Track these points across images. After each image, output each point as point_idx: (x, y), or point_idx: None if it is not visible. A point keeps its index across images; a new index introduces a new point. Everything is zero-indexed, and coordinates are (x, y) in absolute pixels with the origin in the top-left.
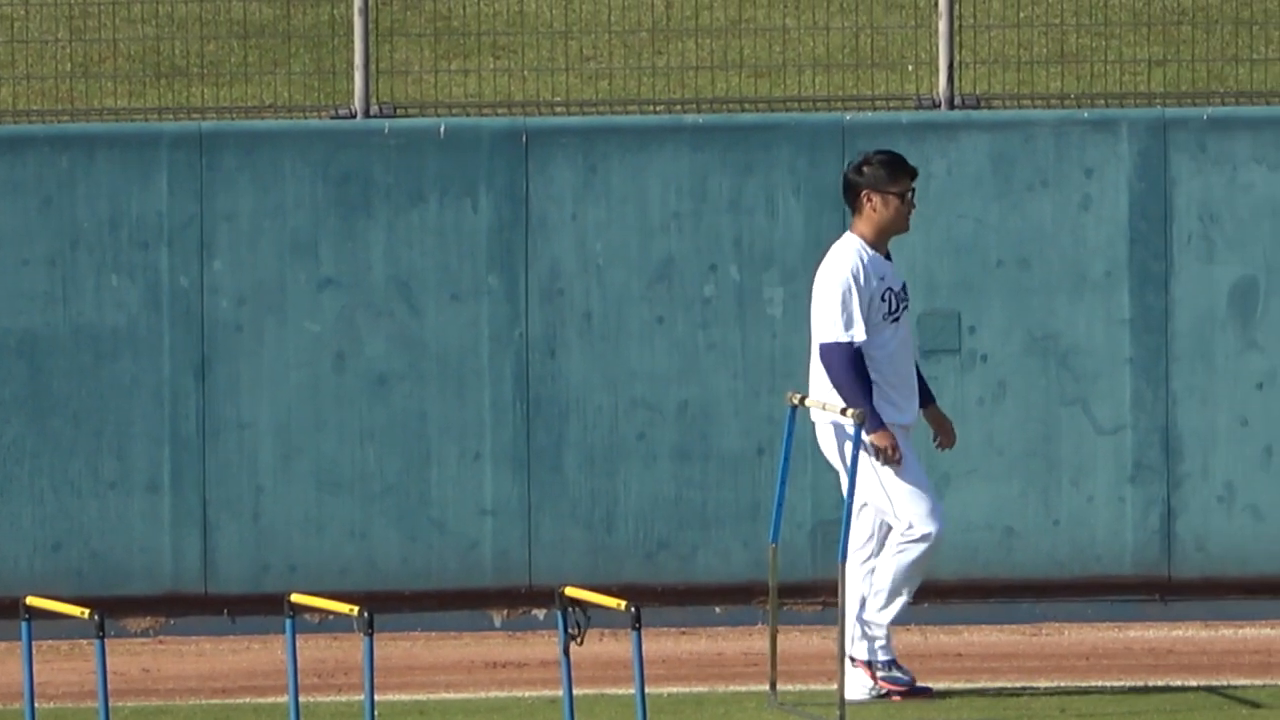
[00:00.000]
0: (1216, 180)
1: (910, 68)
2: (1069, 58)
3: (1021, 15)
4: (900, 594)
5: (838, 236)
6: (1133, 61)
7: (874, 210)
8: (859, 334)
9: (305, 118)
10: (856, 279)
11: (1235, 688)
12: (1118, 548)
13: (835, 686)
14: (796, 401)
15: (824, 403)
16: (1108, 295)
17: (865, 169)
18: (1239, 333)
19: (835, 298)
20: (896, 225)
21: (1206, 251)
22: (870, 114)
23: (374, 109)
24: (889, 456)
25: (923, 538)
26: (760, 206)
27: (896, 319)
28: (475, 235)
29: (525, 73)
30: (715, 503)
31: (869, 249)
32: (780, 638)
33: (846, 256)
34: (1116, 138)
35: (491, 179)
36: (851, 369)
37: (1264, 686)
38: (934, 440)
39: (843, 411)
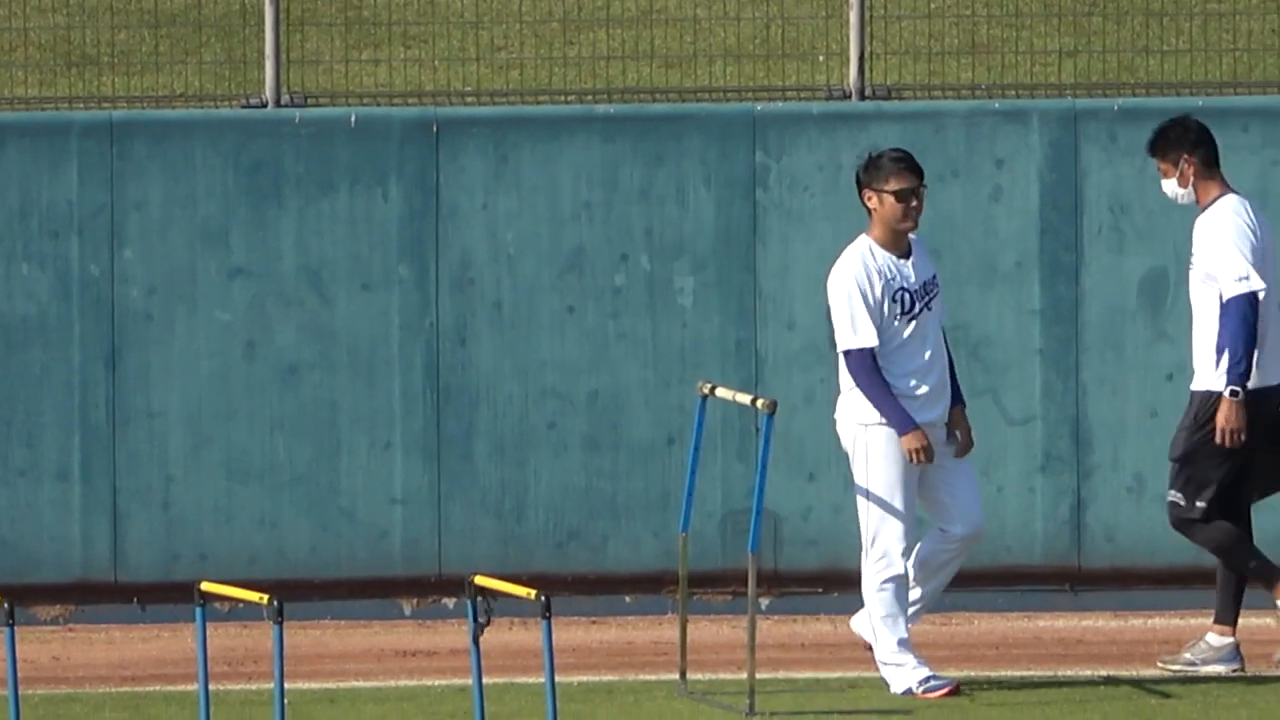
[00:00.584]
0: (1127, 171)
1: (821, 58)
2: (980, 49)
3: (932, 6)
4: (883, 627)
5: (748, 227)
6: (1043, 52)
7: (874, 208)
8: (867, 339)
9: (216, 107)
10: (859, 283)
11: (1144, 677)
12: (1027, 538)
13: (745, 675)
14: (707, 391)
15: (734, 391)
16: (1018, 286)
17: (864, 166)
18: (1149, 324)
19: (841, 304)
20: (894, 223)
21: (1117, 242)
22: (781, 104)
23: (285, 98)
24: (920, 458)
25: (891, 580)
26: (671, 196)
27: (914, 317)
28: (386, 225)
29: (436, 63)
30: (625, 492)
31: (878, 249)
32: (690, 627)
33: (849, 261)
34: (1027, 128)
35: (402, 168)
36: (866, 375)
37: (1172, 676)
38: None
39: (753, 401)
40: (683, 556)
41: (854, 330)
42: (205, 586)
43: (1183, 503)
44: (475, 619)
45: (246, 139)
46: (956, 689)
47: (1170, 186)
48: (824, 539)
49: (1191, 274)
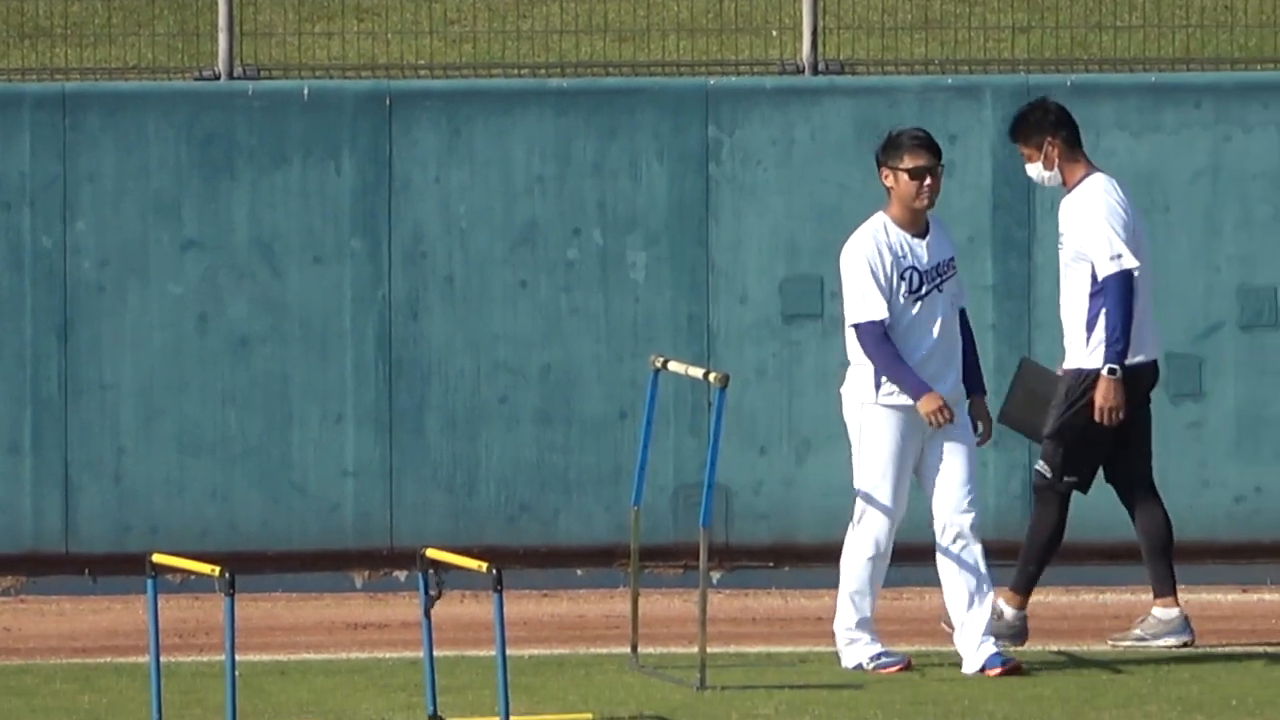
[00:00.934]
0: None
1: (774, 33)
2: (933, 24)
3: None
4: (849, 600)
5: (701, 201)
6: (997, 28)
7: (890, 186)
8: (876, 312)
9: (169, 79)
10: (869, 258)
11: (1095, 652)
12: (979, 513)
13: (696, 649)
14: (659, 365)
15: (687, 365)
16: (971, 261)
17: (882, 145)
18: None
19: (851, 279)
20: (909, 201)
21: None
22: (734, 79)
23: (238, 71)
24: (939, 419)
25: (870, 559)
26: (624, 170)
27: (921, 298)
28: (338, 198)
29: (389, 35)
30: (577, 466)
31: (893, 227)
32: (641, 601)
33: (861, 237)
34: (980, 104)
35: (355, 141)
36: (876, 346)
37: (1123, 651)
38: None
39: (705, 375)
40: (634, 530)
41: (864, 303)
42: (157, 558)
43: (1049, 474)
44: (427, 592)
45: (199, 111)
46: (908, 665)
47: (1035, 170)
48: (775, 513)
49: (1061, 254)
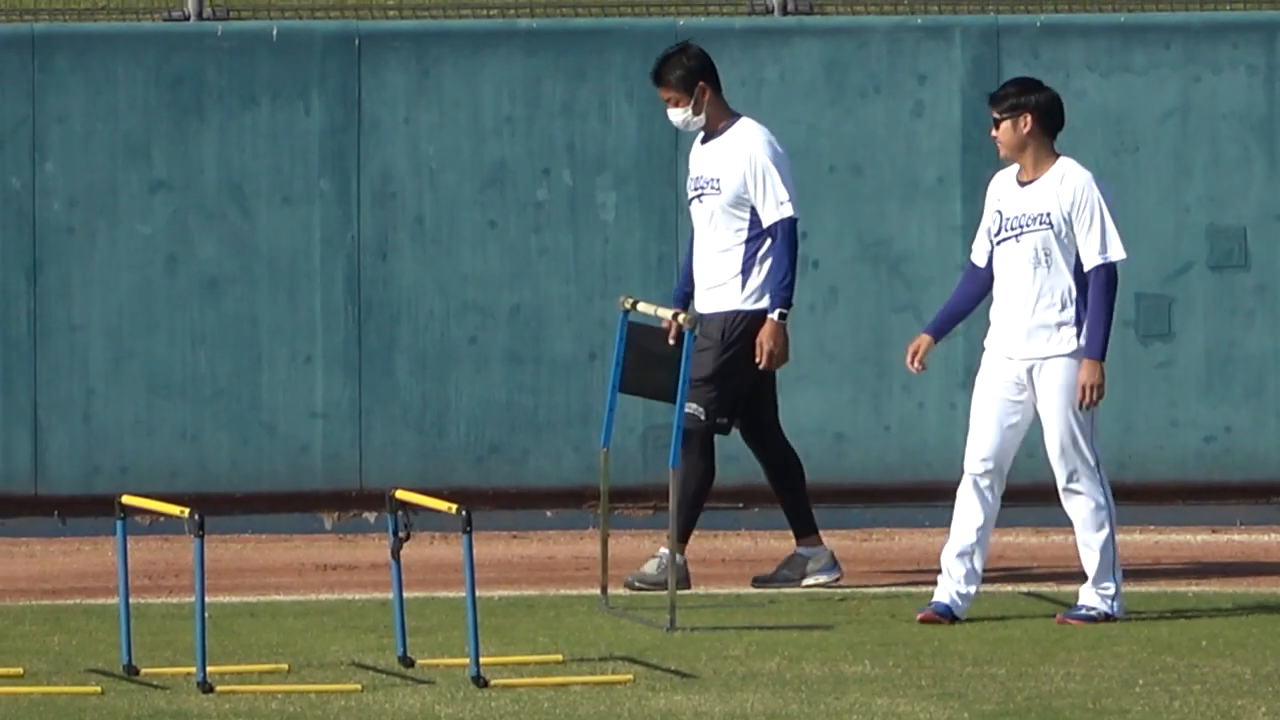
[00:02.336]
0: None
1: None
2: None
3: None
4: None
5: (670, 142)
6: None
7: None
8: (975, 255)
9: (138, 20)
10: (985, 199)
11: (1065, 593)
12: (948, 454)
13: (665, 591)
14: (628, 306)
15: (656, 306)
16: (940, 202)
17: None
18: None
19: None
20: (1001, 150)
21: None
22: (704, 19)
23: (207, 11)
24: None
25: (962, 483)
26: (593, 111)
27: (1002, 242)
28: (307, 138)
29: None
30: (546, 407)
31: (1008, 173)
32: (611, 542)
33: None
34: (949, 44)
35: (324, 82)
36: (959, 285)
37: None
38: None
39: (674, 316)
40: (604, 471)
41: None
42: (126, 500)
43: (703, 417)
44: (395, 533)
45: (168, 52)
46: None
47: (680, 115)
48: (744, 454)
49: (706, 200)
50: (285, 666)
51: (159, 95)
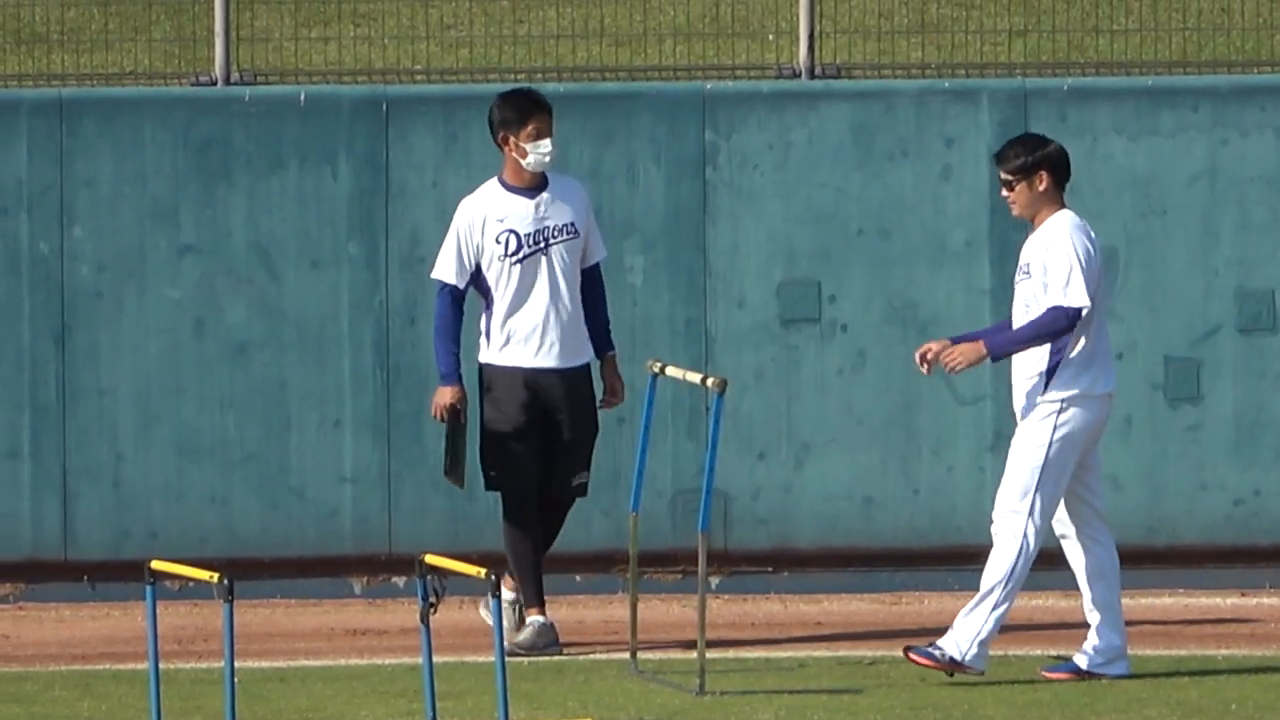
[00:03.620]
0: (1076, 151)
1: (771, 37)
2: (930, 27)
3: None
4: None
5: (698, 205)
6: (993, 31)
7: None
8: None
9: (166, 85)
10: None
11: None
12: (977, 517)
13: (695, 655)
14: (657, 370)
15: (685, 370)
16: (968, 265)
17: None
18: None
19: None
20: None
21: None
22: (731, 83)
23: (234, 76)
24: (948, 360)
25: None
26: (620, 175)
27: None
28: (335, 203)
29: (385, 40)
30: None
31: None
32: (640, 606)
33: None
34: (977, 108)
35: (352, 146)
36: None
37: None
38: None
39: (703, 380)
40: (633, 536)
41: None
42: (155, 565)
43: (588, 480)
44: (425, 598)
45: (196, 117)
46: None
47: (554, 147)
48: (774, 518)
49: (569, 245)
50: None
51: (186, 160)
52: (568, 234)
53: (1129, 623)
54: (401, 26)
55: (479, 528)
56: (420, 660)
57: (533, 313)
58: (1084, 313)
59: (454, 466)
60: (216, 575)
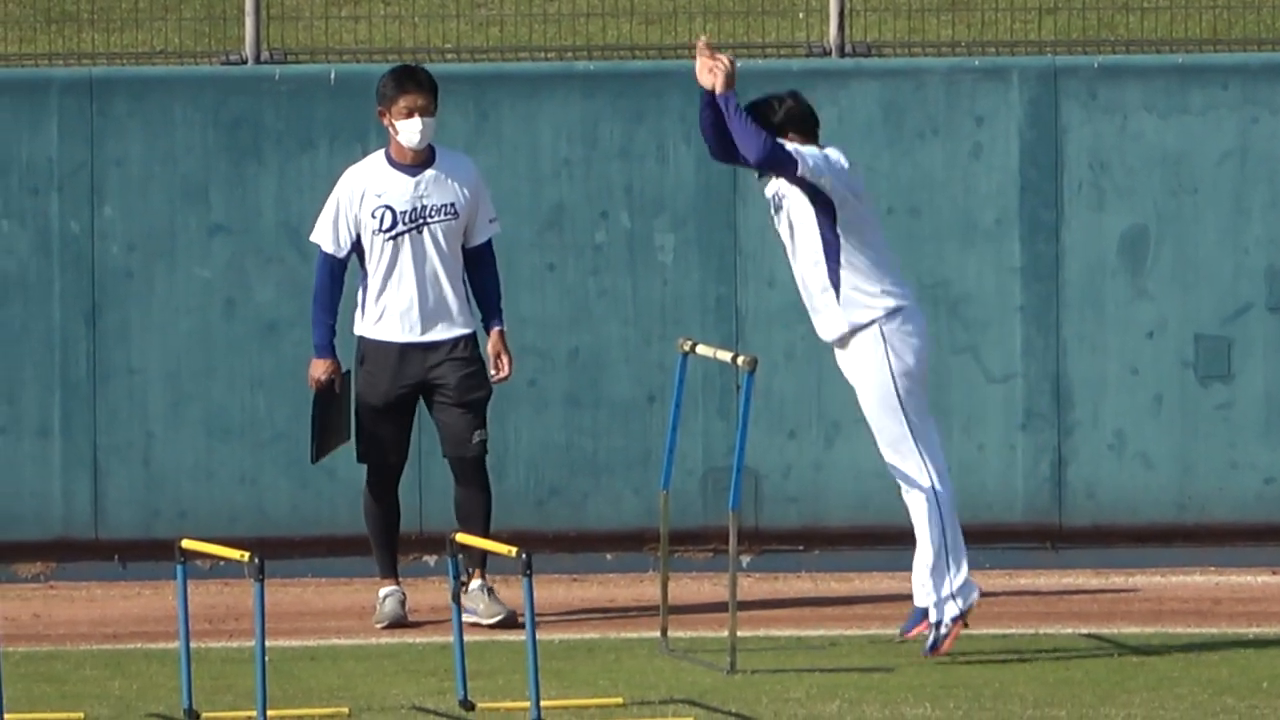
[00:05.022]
0: (1107, 128)
1: (801, 15)
2: (960, 5)
3: None
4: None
5: (728, 184)
6: (1023, 9)
7: None
8: None
9: (196, 64)
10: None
11: (1125, 635)
12: (1008, 495)
13: (726, 633)
14: (687, 348)
15: (715, 348)
16: (998, 243)
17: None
18: (1129, 281)
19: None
20: None
21: (1097, 200)
22: (761, 61)
23: (265, 55)
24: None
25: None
26: (651, 153)
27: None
28: None
29: (416, 19)
30: (606, 450)
31: None
32: (671, 585)
33: None
34: (1007, 86)
35: (382, 125)
36: None
37: (1153, 634)
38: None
39: (733, 358)
40: (664, 514)
41: None
42: (186, 544)
43: (486, 438)
44: (456, 577)
45: (226, 95)
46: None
47: (428, 127)
48: (805, 496)
49: (446, 226)
50: (346, 710)
51: (217, 139)
52: (446, 214)
53: (1160, 599)
54: (432, 5)
55: (509, 506)
56: (451, 639)
57: (405, 289)
58: (786, 150)
59: (322, 442)
60: (247, 554)
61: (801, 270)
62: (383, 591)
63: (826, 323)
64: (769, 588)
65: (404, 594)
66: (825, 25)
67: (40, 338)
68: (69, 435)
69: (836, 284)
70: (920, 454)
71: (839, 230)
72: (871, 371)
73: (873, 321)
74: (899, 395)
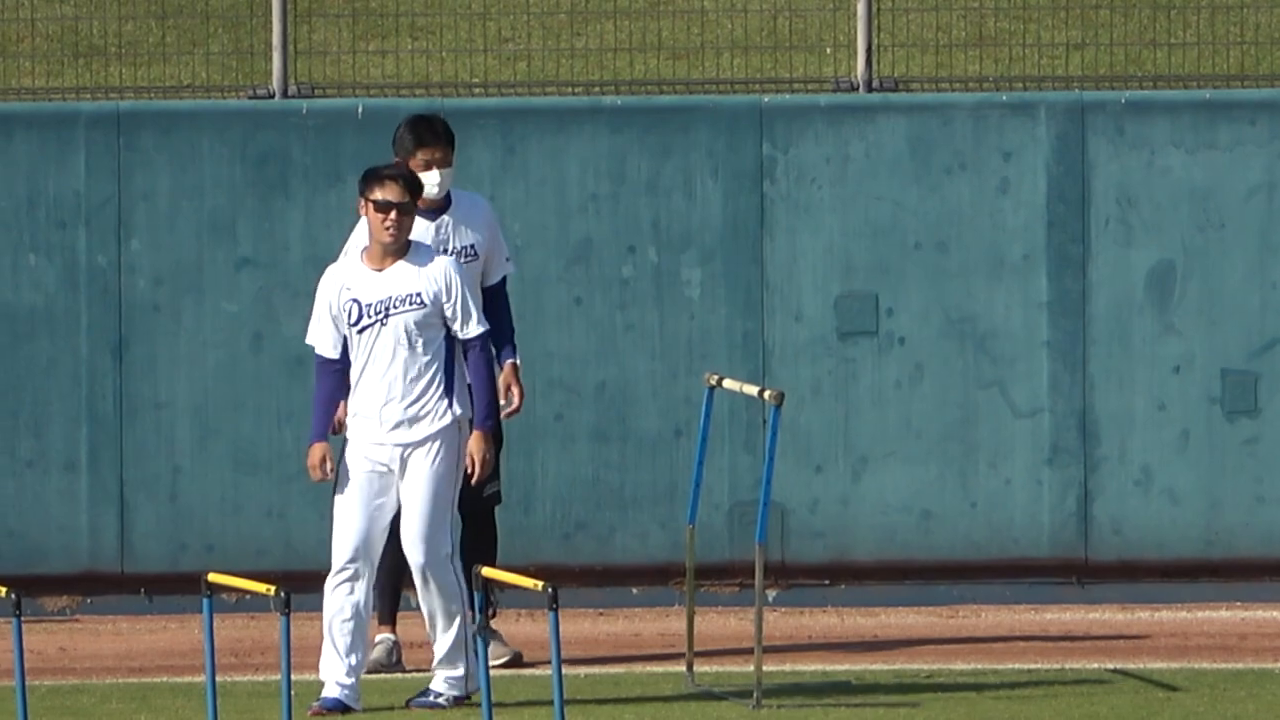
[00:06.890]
0: (1134, 164)
1: (828, 50)
2: (987, 41)
3: None
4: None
5: (755, 219)
6: (1051, 45)
7: None
8: None
9: (223, 98)
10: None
11: (1151, 670)
12: (1035, 530)
13: (752, 668)
14: (714, 382)
15: (741, 383)
16: (1025, 278)
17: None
18: (1156, 317)
19: None
20: None
21: (1124, 235)
22: (788, 96)
23: (292, 89)
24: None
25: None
26: (678, 188)
27: None
28: None
29: (443, 54)
30: (633, 484)
31: None
32: (697, 619)
33: None
34: (1034, 121)
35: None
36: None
37: (1180, 670)
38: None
39: (760, 392)
40: (690, 548)
41: None
42: (212, 578)
43: (499, 488)
44: (484, 610)
45: (253, 130)
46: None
47: (446, 177)
48: (831, 531)
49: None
50: None
51: (244, 173)
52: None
53: (1186, 635)
54: (459, 40)
55: (536, 540)
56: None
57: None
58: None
59: None
60: (273, 588)
61: None
62: (376, 638)
63: (416, 417)
64: (795, 622)
65: (396, 641)
66: (853, 60)
67: (67, 371)
68: (95, 469)
69: (451, 394)
70: (451, 542)
71: None
72: (443, 453)
73: None
74: (455, 485)
